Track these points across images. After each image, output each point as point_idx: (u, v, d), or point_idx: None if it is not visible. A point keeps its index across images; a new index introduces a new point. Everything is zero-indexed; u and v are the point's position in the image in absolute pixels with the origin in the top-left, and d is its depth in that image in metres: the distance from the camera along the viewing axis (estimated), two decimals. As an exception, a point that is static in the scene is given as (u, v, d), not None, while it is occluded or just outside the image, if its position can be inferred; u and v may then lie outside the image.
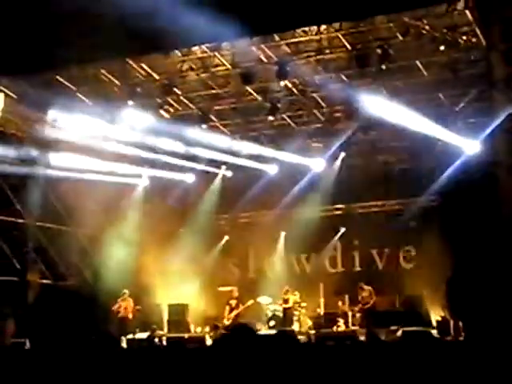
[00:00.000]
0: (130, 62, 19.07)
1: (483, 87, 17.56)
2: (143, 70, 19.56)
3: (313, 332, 20.45)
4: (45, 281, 21.28)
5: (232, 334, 3.90)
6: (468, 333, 3.07)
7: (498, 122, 15.43)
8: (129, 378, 3.88)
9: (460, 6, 16.24)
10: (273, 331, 19.64)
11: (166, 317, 22.46)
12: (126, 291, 21.27)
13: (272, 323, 21.29)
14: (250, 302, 21.84)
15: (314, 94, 20.72)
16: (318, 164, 22.98)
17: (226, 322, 21.23)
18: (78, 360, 3.45)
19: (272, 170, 23.62)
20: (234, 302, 21.71)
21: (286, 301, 21.57)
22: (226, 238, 24.57)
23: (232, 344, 3.77)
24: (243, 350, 3.72)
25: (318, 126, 22.32)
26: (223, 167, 23.94)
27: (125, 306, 21.13)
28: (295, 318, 21.43)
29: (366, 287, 21.23)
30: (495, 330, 3.02)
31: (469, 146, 20.37)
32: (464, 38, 17.24)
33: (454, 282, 3.21)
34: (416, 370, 3.89)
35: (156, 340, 20.18)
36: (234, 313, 21.51)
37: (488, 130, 17.32)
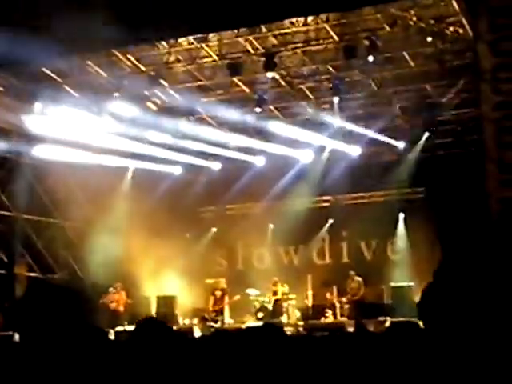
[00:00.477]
0: (117, 53, 18.96)
1: (470, 78, 17.59)
2: (130, 61, 19.47)
3: (301, 323, 20.51)
4: (32, 274, 21.23)
5: (139, 328, 3.93)
6: (448, 323, 3.08)
7: (484, 113, 15.46)
8: (117, 371, 3.86)
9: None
10: (261, 323, 19.67)
11: (154, 309, 22.47)
12: (118, 284, 21.32)
13: (260, 315, 21.31)
14: (237, 297, 21.90)
15: (302, 86, 20.70)
16: (305, 156, 22.97)
17: (211, 314, 21.30)
18: (66, 353, 3.43)
19: (259, 161, 23.61)
20: (219, 293, 21.76)
21: (274, 292, 21.61)
22: (214, 230, 24.56)
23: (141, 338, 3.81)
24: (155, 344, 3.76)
25: (306, 117, 22.29)
26: (211, 159, 23.87)
27: (117, 299, 21.16)
28: (284, 310, 21.46)
29: (356, 278, 21.30)
30: (482, 321, 3.03)
31: (456, 137, 20.42)
32: (451, 28, 17.26)
33: (440, 273, 3.21)
34: (404, 360, 3.90)
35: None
36: (219, 305, 21.56)
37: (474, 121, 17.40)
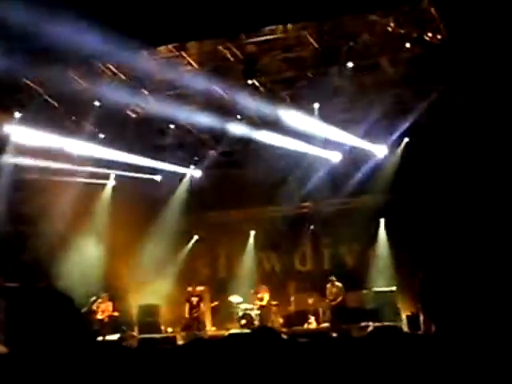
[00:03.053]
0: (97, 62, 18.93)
1: (449, 83, 17.76)
2: (110, 70, 19.43)
3: (284, 330, 20.54)
4: (13, 284, 21.06)
5: None
6: (439, 328, 3.09)
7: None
8: (100, 380, 3.85)
9: (424, 3, 16.36)
10: (245, 330, 19.68)
11: (136, 318, 22.41)
12: (104, 294, 21.30)
13: (243, 322, 21.33)
14: (215, 304, 21.95)
15: (282, 92, 20.73)
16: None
17: (189, 322, 21.31)
18: (50, 363, 3.42)
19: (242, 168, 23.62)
20: (195, 300, 21.71)
21: (261, 299, 21.63)
22: (196, 237, 24.55)
23: None
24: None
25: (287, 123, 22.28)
26: (192, 166, 23.88)
27: (103, 309, 21.11)
28: (269, 317, 21.49)
29: (336, 283, 21.34)
30: (467, 324, 3.05)
31: (435, 142, 20.53)
32: (429, 34, 17.39)
33: (426, 280, 3.24)
34: (388, 364, 3.91)
35: (127, 341, 20.14)
36: (196, 312, 21.54)
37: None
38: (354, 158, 22.71)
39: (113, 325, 21.38)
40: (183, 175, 24.27)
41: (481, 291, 3.05)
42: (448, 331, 3.10)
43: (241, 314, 21.68)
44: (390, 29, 17.33)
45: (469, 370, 3.02)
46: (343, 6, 14.66)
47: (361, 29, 17.49)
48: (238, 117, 21.06)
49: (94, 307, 20.91)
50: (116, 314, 21.57)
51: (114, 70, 19.34)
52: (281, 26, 17.78)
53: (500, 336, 2.94)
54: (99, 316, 20.99)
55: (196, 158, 23.53)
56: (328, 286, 21.51)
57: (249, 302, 21.94)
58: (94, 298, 21.27)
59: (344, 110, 21.05)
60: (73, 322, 3.54)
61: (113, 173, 23.25)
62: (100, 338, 20.03)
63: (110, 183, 23.77)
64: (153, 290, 22.98)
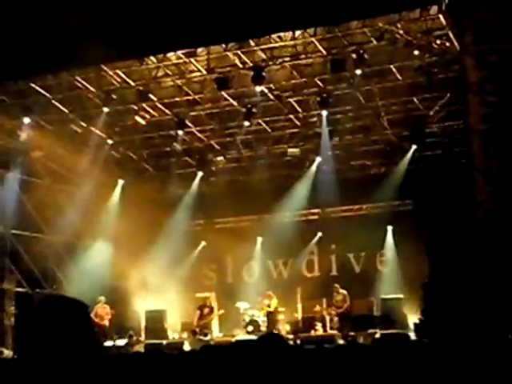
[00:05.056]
0: (105, 68, 19.01)
1: (457, 91, 17.73)
2: (118, 76, 19.51)
3: (291, 337, 20.50)
4: (21, 289, 21.12)
5: None
6: (439, 334, 3.11)
7: (471, 125, 15.60)
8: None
9: (433, 10, 16.39)
10: (251, 336, 19.68)
11: (143, 323, 22.37)
12: (101, 298, 21.14)
13: (250, 328, 21.28)
14: (221, 312, 21.88)
15: (290, 99, 20.76)
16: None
17: (196, 329, 21.24)
18: (58, 368, 3.43)
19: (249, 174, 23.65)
20: (206, 310, 21.50)
21: (268, 305, 21.56)
22: (203, 243, 24.52)
23: None
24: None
25: (294, 130, 22.35)
26: (200, 173, 23.82)
27: (100, 314, 20.97)
28: (277, 323, 21.43)
29: (341, 291, 21.27)
30: (468, 331, 3.08)
31: (443, 150, 20.53)
32: (438, 42, 17.41)
33: (430, 286, 3.26)
34: (395, 371, 3.93)
35: (134, 347, 20.15)
36: (205, 320, 21.43)
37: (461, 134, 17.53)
38: (362, 164, 22.76)
39: (118, 329, 21.27)
40: (191, 181, 24.22)
41: (485, 299, 3.06)
42: (452, 338, 3.12)
43: (248, 320, 21.62)
44: (398, 36, 17.37)
45: (473, 376, 3.04)
46: (351, 12, 14.71)
47: (369, 36, 17.53)
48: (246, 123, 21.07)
49: (93, 313, 20.77)
50: (113, 312, 21.26)
51: (122, 75, 19.43)
52: (290, 34, 17.85)
53: (503, 345, 2.96)
54: (98, 321, 20.74)
55: (204, 164, 23.44)
56: (333, 294, 21.46)
57: (256, 309, 21.89)
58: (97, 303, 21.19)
59: (353, 117, 21.09)
60: (86, 329, 3.55)
61: (121, 178, 23.27)
62: (107, 344, 20.05)
63: (119, 188, 23.75)
64: (160, 295, 22.96)
